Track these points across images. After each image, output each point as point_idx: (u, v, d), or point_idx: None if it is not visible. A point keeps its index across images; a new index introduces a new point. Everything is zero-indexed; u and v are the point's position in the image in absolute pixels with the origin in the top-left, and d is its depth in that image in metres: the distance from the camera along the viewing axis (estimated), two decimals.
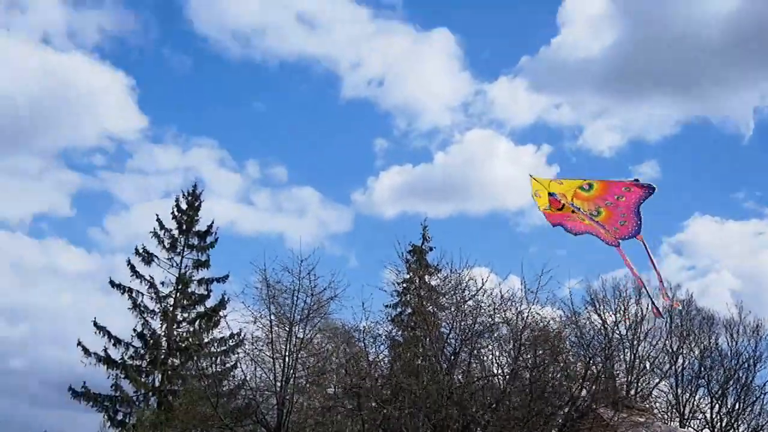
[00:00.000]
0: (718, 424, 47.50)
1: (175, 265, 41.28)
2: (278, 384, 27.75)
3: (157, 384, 39.26)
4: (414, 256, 38.01)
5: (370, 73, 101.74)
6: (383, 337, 30.29)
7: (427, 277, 36.73)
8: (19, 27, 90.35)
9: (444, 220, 73.98)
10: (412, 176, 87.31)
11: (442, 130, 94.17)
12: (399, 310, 37.40)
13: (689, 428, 46.66)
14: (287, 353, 27.94)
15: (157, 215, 41.95)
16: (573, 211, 12.65)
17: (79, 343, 38.95)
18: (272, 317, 28.59)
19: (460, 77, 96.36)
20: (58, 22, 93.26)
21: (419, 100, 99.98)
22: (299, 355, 28.22)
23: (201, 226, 42.40)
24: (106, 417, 38.43)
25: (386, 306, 36.41)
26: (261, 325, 28.70)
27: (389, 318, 35.14)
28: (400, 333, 34.45)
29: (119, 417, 38.73)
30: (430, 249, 38.50)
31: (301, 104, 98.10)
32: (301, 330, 28.48)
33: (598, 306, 46.37)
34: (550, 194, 12.66)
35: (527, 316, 26.98)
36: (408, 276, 36.69)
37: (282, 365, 27.82)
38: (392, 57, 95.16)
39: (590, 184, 12.74)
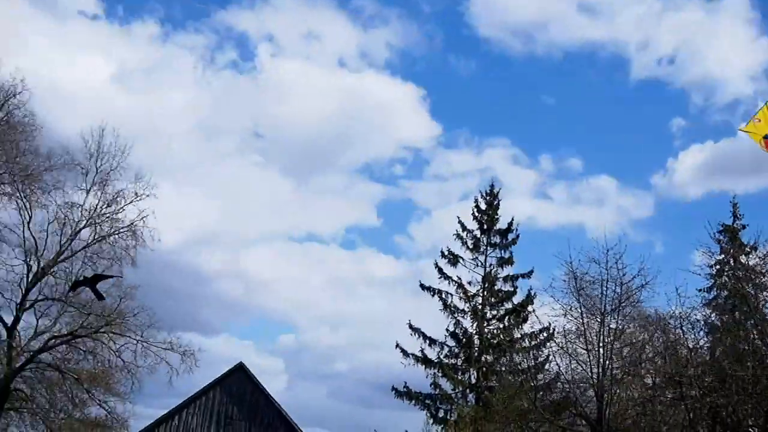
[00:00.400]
0: None
1: (480, 264, 42.35)
2: (594, 376, 27.40)
3: (473, 381, 40.39)
4: (726, 235, 35.75)
5: (660, 52, 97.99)
6: (701, 322, 28.94)
7: (742, 257, 34.37)
8: (317, 55, 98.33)
9: (755, 195, 68.98)
10: (715, 153, 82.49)
11: (744, 101, 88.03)
12: (714, 293, 35.31)
13: None
14: (601, 345, 27.45)
15: (458, 217, 43.36)
16: None
17: (397, 345, 41.22)
18: (582, 309, 28.32)
19: (759, 43, 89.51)
20: (350, 45, 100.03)
21: (715, 72, 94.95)
22: (613, 346, 27.67)
23: (501, 225, 43.13)
24: (428, 414, 40.06)
25: (699, 290, 34.51)
26: (572, 318, 28.53)
27: (705, 302, 33.32)
28: (717, 317, 32.53)
29: (440, 414, 40.28)
30: (743, 227, 36.15)
31: (590, 92, 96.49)
32: (613, 320, 27.88)
33: None
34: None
35: None
36: (721, 257, 34.56)
37: (596, 357, 27.45)
38: (683, 32, 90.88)
39: None
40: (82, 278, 28.03)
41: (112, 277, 29.02)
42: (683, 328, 27.62)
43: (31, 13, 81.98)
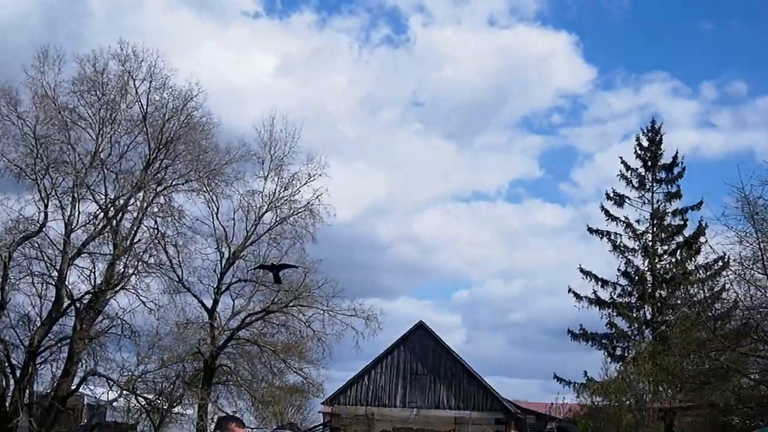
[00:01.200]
0: None
1: (647, 201, 42.47)
2: None
3: (648, 317, 40.72)
4: None
5: None
6: None
7: None
8: (467, 17, 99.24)
9: None
10: None
11: None
12: None
13: None
14: None
15: (621, 158, 43.67)
16: None
17: (569, 290, 42.27)
18: (758, 234, 27.98)
19: None
20: (499, 2, 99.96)
21: None
22: None
23: (666, 159, 43.04)
24: (605, 353, 40.86)
25: None
26: (747, 244, 28.13)
27: None
28: None
29: (617, 352, 41.14)
30: None
31: (749, 11, 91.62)
32: None
33: None
34: None
35: None
36: None
37: None
38: None
39: None
40: (269, 264, 30.27)
41: (294, 266, 30.80)
42: None
43: (199, 20, 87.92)
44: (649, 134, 43.73)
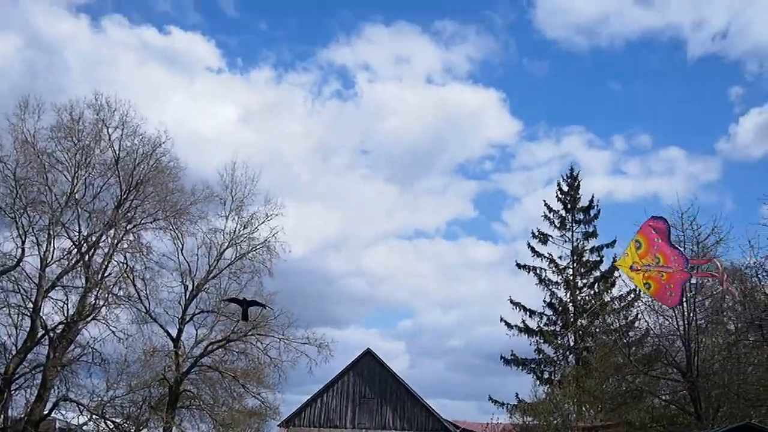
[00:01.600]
0: None
1: (567, 240, 46.62)
2: (681, 328, 30.10)
3: (572, 344, 44.51)
4: None
5: (713, 29, 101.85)
6: None
7: None
8: (408, 75, 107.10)
9: None
10: None
11: None
12: None
13: None
14: (684, 299, 29.30)
15: (544, 201, 47.95)
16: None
17: (501, 319, 45.90)
18: None
19: None
20: (436, 62, 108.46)
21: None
22: (696, 299, 30.29)
23: (583, 203, 47.33)
24: (534, 377, 44.57)
25: None
26: None
27: None
28: None
29: (545, 376, 44.63)
30: None
31: (651, 74, 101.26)
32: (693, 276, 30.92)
33: None
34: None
35: None
36: None
37: (681, 310, 29.78)
38: (733, 7, 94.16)
39: (638, 241, 15.29)
40: (241, 298, 32.00)
41: (263, 306, 32.18)
42: (759, 276, 28.55)
43: (168, 74, 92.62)
44: (569, 180, 48.03)
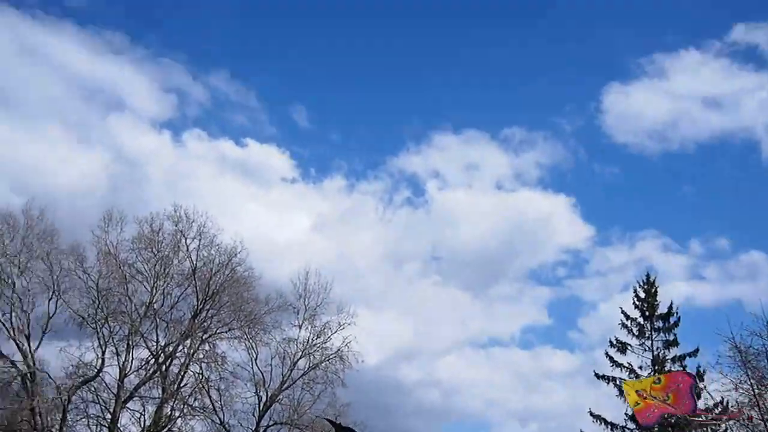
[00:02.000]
0: None
1: (647, 348, 45.14)
2: None
3: None
4: None
5: None
6: None
7: None
8: (477, 182, 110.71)
9: None
10: None
11: None
12: None
13: None
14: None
15: (621, 308, 46.63)
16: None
17: None
18: (752, 381, 30.59)
19: None
20: (505, 169, 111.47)
21: None
22: None
23: (662, 309, 45.94)
24: None
25: None
26: (743, 390, 30.79)
27: None
28: None
29: None
30: None
31: (725, 177, 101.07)
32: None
33: None
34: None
35: None
36: None
37: None
38: None
39: (659, 378, 16.29)
40: (337, 422, 31.79)
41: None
42: None
43: (243, 185, 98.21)
44: (645, 286, 46.95)
